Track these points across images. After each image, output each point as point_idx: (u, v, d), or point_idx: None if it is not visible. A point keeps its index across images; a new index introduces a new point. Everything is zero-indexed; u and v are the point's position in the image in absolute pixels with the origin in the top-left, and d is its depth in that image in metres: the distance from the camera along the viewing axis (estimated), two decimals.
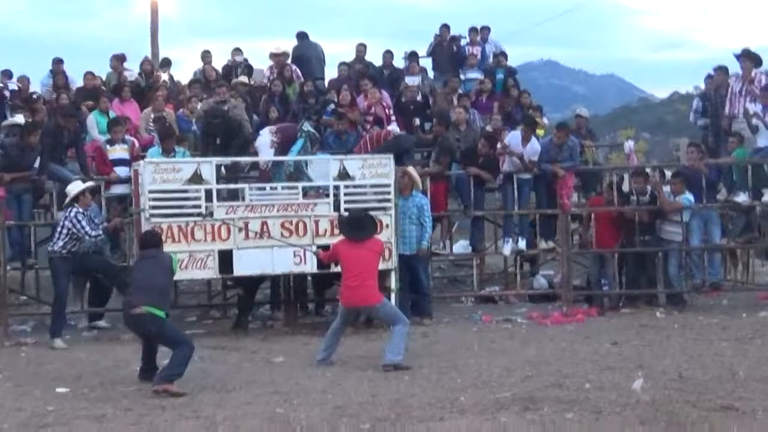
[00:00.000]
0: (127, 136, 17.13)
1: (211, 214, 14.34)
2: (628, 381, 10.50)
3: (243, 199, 14.72)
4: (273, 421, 9.50)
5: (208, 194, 14.39)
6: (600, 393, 10.19)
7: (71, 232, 14.06)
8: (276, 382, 11.35)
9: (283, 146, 16.74)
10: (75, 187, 14.41)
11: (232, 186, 15.22)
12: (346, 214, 13.80)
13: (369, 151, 16.44)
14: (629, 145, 20.49)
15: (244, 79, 20.82)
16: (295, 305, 16.28)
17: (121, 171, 16.26)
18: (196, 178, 14.38)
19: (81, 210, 14.17)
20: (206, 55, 22.28)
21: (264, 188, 15.23)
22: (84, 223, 14.04)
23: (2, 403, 10.57)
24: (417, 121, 20.22)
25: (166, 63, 22.83)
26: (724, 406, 9.46)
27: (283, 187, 15.17)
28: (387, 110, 19.79)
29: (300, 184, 15.02)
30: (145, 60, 22.59)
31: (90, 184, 14.88)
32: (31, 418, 9.90)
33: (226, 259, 14.42)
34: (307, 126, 17.03)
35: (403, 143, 17.27)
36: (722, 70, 18.82)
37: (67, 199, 14.32)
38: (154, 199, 14.21)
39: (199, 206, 14.37)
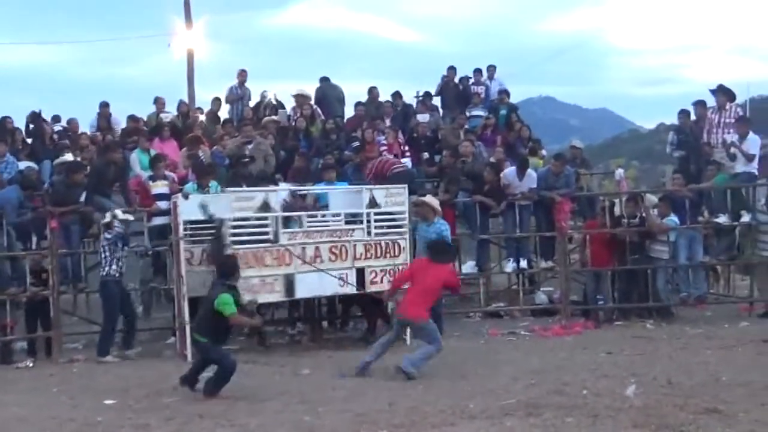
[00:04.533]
0: (167, 173, 17.12)
1: (276, 240, 14.16)
2: (622, 387, 10.49)
3: (301, 225, 14.47)
4: (300, 428, 9.49)
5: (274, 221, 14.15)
6: (597, 398, 10.14)
7: (110, 249, 14.13)
8: (303, 392, 11.33)
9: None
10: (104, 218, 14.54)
11: (294, 213, 14.69)
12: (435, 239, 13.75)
13: (372, 176, 16.46)
14: (620, 172, 20.46)
15: (275, 117, 20.83)
16: (320, 322, 16.26)
17: (162, 204, 16.19)
18: (265, 206, 14.19)
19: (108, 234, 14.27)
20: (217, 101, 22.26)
21: (315, 215, 14.96)
22: (114, 237, 14.18)
23: (57, 414, 10.58)
24: (426, 155, 20.33)
25: (216, 103, 22.42)
26: (709, 409, 9.40)
27: (332, 215, 14.91)
28: (401, 146, 19.88)
29: (343, 211, 14.83)
30: (182, 103, 22.63)
31: (118, 213, 14.64)
32: (82, 427, 9.94)
33: (289, 283, 14.17)
34: None
35: (400, 180, 16.17)
36: (701, 104, 18.79)
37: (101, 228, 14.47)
38: (232, 227, 13.92)
39: (267, 233, 14.12)
